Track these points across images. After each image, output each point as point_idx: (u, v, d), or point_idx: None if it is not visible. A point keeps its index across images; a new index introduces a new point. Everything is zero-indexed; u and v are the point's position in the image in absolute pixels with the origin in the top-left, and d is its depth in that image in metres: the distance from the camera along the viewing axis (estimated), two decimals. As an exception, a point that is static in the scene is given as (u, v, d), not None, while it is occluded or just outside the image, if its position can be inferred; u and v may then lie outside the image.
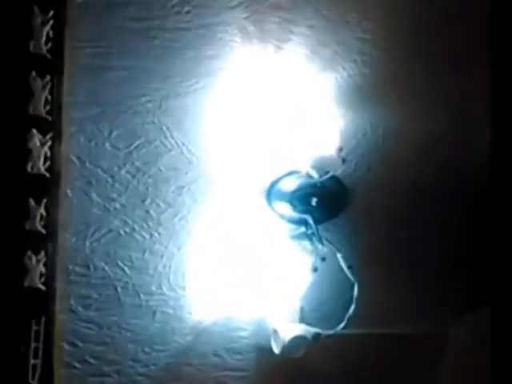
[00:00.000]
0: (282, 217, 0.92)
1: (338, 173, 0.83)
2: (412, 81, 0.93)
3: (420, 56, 0.92)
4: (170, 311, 0.89)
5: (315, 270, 0.87)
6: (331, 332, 0.85)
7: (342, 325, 0.85)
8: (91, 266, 0.84)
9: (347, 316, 0.86)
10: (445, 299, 0.97)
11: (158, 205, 0.87)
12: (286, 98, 0.84)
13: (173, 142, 0.87)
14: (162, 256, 0.88)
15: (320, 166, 0.84)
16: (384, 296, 0.94)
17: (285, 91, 0.85)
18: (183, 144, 0.87)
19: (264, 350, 0.89)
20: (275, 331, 0.88)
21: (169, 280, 0.88)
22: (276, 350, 0.88)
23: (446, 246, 0.96)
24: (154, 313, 0.87)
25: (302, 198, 0.89)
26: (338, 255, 0.87)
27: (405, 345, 0.94)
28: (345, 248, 0.89)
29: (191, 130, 0.87)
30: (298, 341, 0.86)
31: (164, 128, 0.86)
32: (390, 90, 0.92)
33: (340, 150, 0.81)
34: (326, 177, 0.85)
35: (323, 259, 0.87)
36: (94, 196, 0.84)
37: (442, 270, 0.96)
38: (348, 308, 0.86)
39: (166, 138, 0.86)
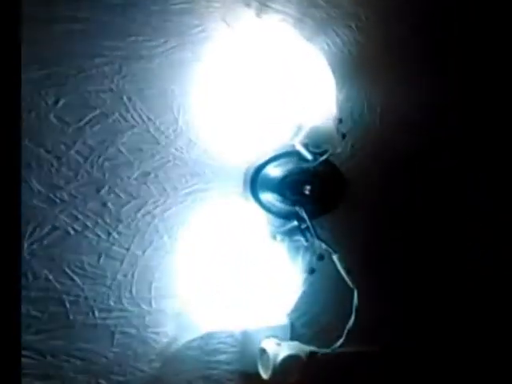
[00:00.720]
0: (270, 209, 0.76)
1: (338, 151, 0.69)
2: (413, 53, 0.81)
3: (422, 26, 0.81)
4: (133, 331, 0.70)
5: (312, 271, 0.72)
6: (328, 350, 0.71)
7: (340, 340, 0.72)
8: (30, 275, 0.64)
9: (346, 329, 0.72)
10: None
11: (117, 195, 0.69)
12: (272, 65, 0.68)
13: (136, 115, 0.69)
14: (122, 261, 0.69)
15: (314, 145, 0.69)
16: (387, 305, 0.80)
17: (270, 57, 0.69)
18: (149, 119, 0.70)
19: (250, 377, 0.73)
20: (263, 351, 0.72)
21: (131, 292, 0.70)
22: (264, 374, 0.72)
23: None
24: (113, 334, 0.69)
25: (292, 186, 0.74)
26: (334, 257, 0.73)
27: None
28: (342, 248, 0.74)
29: (159, 101, 0.70)
30: (290, 362, 0.70)
31: (125, 98, 0.68)
32: (389, 63, 0.80)
33: (339, 121, 0.67)
34: (323, 158, 0.71)
35: (321, 258, 0.73)
36: (33, 183, 0.64)
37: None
38: (347, 320, 0.72)
39: (127, 110, 0.68)
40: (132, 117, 0.69)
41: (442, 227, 0.86)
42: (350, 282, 0.73)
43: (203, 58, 0.71)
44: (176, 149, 0.72)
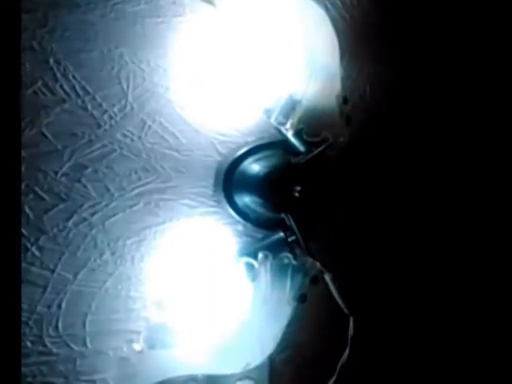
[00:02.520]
0: (248, 217, 0.58)
1: (342, 141, 0.51)
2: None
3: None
4: (60, 381, 0.50)
5: (303, 298, 0.54)
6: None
7: (332, 380, 0.56)
8: None
9: (339, 364, 0.56)
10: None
11: (38, 197, 0.49)
12: (256, 22, 0.50)
13: (67, 86, 0.49)
14: (45, 287, 0.50)
15: (310, 133, 0.52)
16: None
17: (254, 12, 0.51)
18: (86, 92, 0.50)
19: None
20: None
21: (57, 328, 0.50)
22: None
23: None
24: (30, 386, 0.49)
25: (278, 187, 0.56)
26: (327, 276, 0.56)
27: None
28: (336, 265, 0.57)
29: (101, 68, 0.50)
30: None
31: (51, 61, 0.48)
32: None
33: (344, 101, 0.49)
34: (319, 150, 0.53)
35: (315, 281, 0.55)
36: None
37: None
38: (339, 353, 0.56)
39: (54, 78, 0.49)
40: (62, 88, 0.49)
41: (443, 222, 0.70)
42: (344, 307, 0.56)
43: (164, 13, 0.52)
44: (124, 134, 0.52)
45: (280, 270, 0.54)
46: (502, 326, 0.73)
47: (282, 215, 0.57)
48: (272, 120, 0.48)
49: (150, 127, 0.53)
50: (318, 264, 0.56)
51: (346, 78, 0.63)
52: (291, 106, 0.47)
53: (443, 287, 0.70)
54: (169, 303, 0.55)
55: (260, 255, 0.53)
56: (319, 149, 0.55)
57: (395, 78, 0.66)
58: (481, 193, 0.71)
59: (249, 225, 0.59)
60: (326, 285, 0.58)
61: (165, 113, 0.53)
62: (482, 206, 0.71)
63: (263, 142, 0.58)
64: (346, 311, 0.56)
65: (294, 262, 0.55)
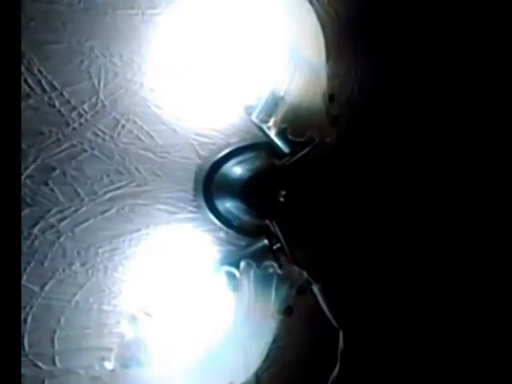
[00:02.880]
0: (230, 223, 0.54)
1: (328, 141, 0.48)
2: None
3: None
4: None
5: (289, 311, 0.50)
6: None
7: None
8: None
9: (329, 381, 0.53)
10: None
11: (-2, 201, 0.44)
12: (239, 14, 0.47)
13: (32, 81, 0.45)
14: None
15: (294, 132, 0.48)
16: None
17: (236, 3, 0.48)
18: (53, 87, 0.46)
19: None
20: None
21: (23, 346, 0.45)
22: None
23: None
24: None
25: (262, 191, 0.53)
26: (315, 287, 0.53)
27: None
28: (324, 274, 0.54)
29: (69, 61, 0.46)
30: None
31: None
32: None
33: (331, 99, 0.46)
34: (305, 151, 0.50)
35: (302, 291, 0.51)
36: None
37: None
38: (329, 369, 0.53)
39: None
40: (26, 82, 0.45)
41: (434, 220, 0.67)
42: (333, 320, 0.53)
43: (138, 5, 0.48)
44: (95, 133, 0.48)
45: (264, 281, 0.50)
46: (496, 336, 0.70)
47: (267, 221, 0.54)
48: (253, 117, 0.44)
49: (123, 126, 0.50)
50: (304, 273, 0.52)
51: (332, 78, 0.59)
52: (273, 103, 0.44)
53: (436, 297, 0.67)
54: (144, 317, 0.50)
55: (242, 264, 0.49)
56: (305, 150, 0.51)
57: (384, 78, 0.63)
58: (469, 195, 0.68)
59: (231, 232, 0.55)
60: (314, 296, 0.54)
61: (139, 111, 0.50)
62: (471, 208, 0.68)
63: (246, 143, 0.55)
64: (335, 324, 0.53)
65: (279, 272, 0.51)
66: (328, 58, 0.57)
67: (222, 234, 0.56)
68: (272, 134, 0.47)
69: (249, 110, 0.44)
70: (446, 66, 0.66)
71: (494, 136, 0.68)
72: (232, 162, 0.54)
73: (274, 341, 0.53)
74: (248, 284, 0.50)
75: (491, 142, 0.68)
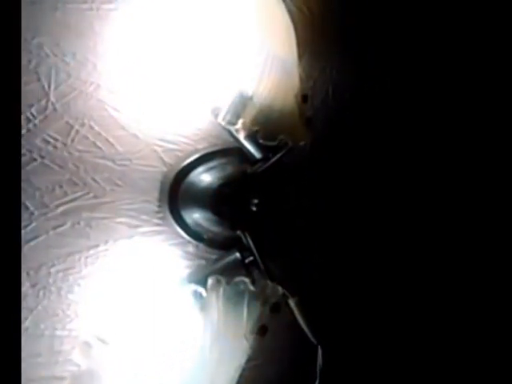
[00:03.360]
0: (198, 235, 0.50)
1: (302, 145, 0.44)
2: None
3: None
4: None
5: (263, 331, 0.46)
6: None
7: None
8: None
9: None
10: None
11: None
12: (204, 10, 0.43)
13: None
14: None
15: (266, 136, 0.44)
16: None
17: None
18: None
19: None
20: None
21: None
22: None
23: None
24: None
25: (233, 200, 0.49)
26: (291, 301, 0.49)
27: None
28: (301, 287, 0.51)
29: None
30: None
31: None
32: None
33: (304, 99, 0.42)
34: (278, 156, 0.46)
35: (276, 309, 0.47)
36: None
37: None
38: None
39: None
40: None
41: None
42: (311, 336, 0.50)
43: None
44: (45, 140, 0.44)
45: (235, 298, 0.46)
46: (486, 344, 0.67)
47: (238, 233, 0.50)
48: (220, 119, 0.40)
49: (77, 132, 0.45)
50: (279, 289, 0.48)
51: (306, 79, 0.56)
52: (241, 103, 0.40)
53: (421, 310, 0.63)
54: (103, 343, 0.45)
55: (210, 281, 0.44)
56: (277, 155, 0.47)
57: (361, 79, 0.59)
58: (454, 200, 0.65)
59: (201, 245, 0.51)
60: (291, 311, 0.50)
61: (96, 115, 0.45)
62: (455, 212, 0.65)
63: (215, 148, 0.50)
64: (313, 340, 0.49)
65: (251, 288, 0.46)
66: (301, 58, 0.54)
67: (190, 248, 0.51)
68: (241, 137, 0.43)
69: (215, 112, 0.40)
70: (427, 66, 0.64)
71: (479, 140, 0.65)
72: (200, 169, 0.50)
73: (249, 359, 0.49)
74: (217, 302, 0.45)
75: (477, 146, 0.65)
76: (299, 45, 0.50)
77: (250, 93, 0.41)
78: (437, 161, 0.65)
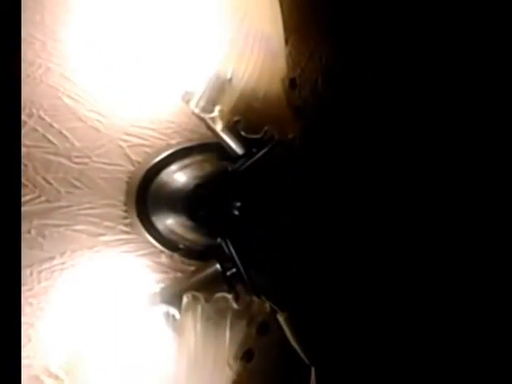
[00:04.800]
0: (172, 244, 0.43)
1: (291, 137, 0.38)
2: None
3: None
4: None
5: (249, 356, 0.40)
6: None
7: None
8: None
9: None
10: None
11: None
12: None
13: None
14: None
15: (249, 128, 0.38)
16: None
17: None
18: None
19: None
20: None
21: None
22: None
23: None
24: None
25: (211, 203, 0.42)
26: (280, 317, 0.43)
27: None
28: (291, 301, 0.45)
29: None
30: None
31: None
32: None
33: (292, 84, 0.36)
34: (263, 152, 0.40)
35: (264, 330, 0.41)
36: None
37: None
38: None
39: None
40: None
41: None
42: (303, 355, 0.44)
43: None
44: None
45: (215, 318, 0.39)
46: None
47: (218, 240, 0.43)
48: (192, 106, 0.33)
49: (24, 123, 0.38)
50: (267, 306, 0.41)
51: (293, 66, 0.49)
52: (218, 87, 0.33)
53: (419, 325, 0.57)
54: (60, 372, 0.38)
55: (185, 299, 0.37)
56: (263, 150, 0.41)
57: (353, 67, 0.53)
58: (440, 198, 0.60)
59: (175, 256, 0.44)
60: (280, 328, 0.44)
61: (46, 104, 0.38)
62: (444, 213, 0.59)
63: (191, 144, 0.44)
64: (305, 359, 0.44)
65: (234, 306, 0.39)
66: (287, 42, 0.48)
67: (163, 259, 0.44)
68: (219, 128, 0.36)
69: (186, 97, 0.34)
70: (424, 54, 0.58)
71: (472, 136, 0.60)
72: (173, 167, 0.44)
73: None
74: (194, 324, 0.38)
75: (470, 142, 0.60)
76: (285, 28, 0.44)
77: (228, 74, 0.34)
78: (433, 157, 0.59)
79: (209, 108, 0.34)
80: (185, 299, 0.38)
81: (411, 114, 0.56)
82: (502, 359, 0.57)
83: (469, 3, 0.56)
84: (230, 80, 0.34)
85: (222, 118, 0.35)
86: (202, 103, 0.34)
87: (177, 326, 0.38)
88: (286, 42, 0.49)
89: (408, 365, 0.57)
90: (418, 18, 0.55)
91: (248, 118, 0.37)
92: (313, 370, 0.44)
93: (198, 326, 0.38)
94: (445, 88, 0.58)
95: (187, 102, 0.34)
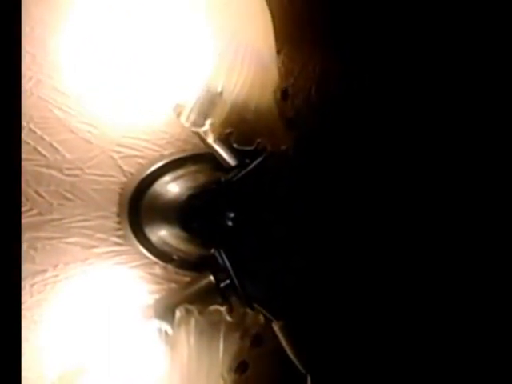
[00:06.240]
0: (165, 255, 0.43)
1: (284, 149, 0.38)
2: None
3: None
4: None
5: (243, 367, 0.40)
6: None
7: None
8: None
9: None
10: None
11: None
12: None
13: None
14: None
15: (242, 140, 0.38)
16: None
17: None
18: None
19: None
20: None
21: None
22: None
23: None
24: None
25: (205, 214, 0.42)
26: (275, 325, 0.43)
27: None
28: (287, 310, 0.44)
29: None
30: None
31: None
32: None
33: (284, 96, 0.36)
34: (256, 162, 0.39)
35: (258, 342, 0.41)
36: None
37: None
38: None
39: None
40: None
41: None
42: (299, 363, 0.44)
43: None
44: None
45: (209, 331, 0.39)
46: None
47: (212, 251, 0.43)
48: (183, 119, 0.33)
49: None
50: (261, 318, 0.41)
51: (286, 75, 0.49)
52: (209, 100, 0.33)
53: (416, 333, 0.57)
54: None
55: (178, 313, 0.37)
56: (255, 161, 0.40)
57: (347, 76, 0.53)
58: (435, 206, 0.59)
59: (168, 267, 0.44)
60: (275, 337, 0.44)
61: (37, 116, 0.38)
62: (438, 220, 0.59)
63: (184, 154, 0.43)
64: (301, 368, 0.44)
65: (227, 318, 0.39)
66: (280, 51, 0.47)
67: (157, 270, 0.44)
68: (210, 139, 0.36)
69: (177, 110, 0.33)
70: (418, 61, 0.57)
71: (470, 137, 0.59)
72: (166, 178, 0.43)
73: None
74: (187, 337, 0.38)
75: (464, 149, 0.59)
76: (278, 37, 0.44)
77: (218, 88, 0.33)
78: (430, 162, 0.59)
79: (200, 122, 0.33)
80: (178, 313, 0.38)
81: (406, 123, 0.55)
82: (501, 359, 0.57)
83: (465, 10, 0.56)
84: (221, 93, 0.34)
85: (213, 131, 0.35)
86: (192, 117, 0.33)
87: (170, 340, 0.38)
88: (279, 51, 0.48)
89: (405, 373, 0.56)
90: (413, 28, 0.55)
91: (240, 130, 0.37)
92: (308, 378, 0.44)
93: (192, 339, 0.38)
94: (441, 98, 0.57)
95: (178, 115, 0.34)
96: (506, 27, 0.53)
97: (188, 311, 0.39)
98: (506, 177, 0.57)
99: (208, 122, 0.34)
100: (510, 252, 0.59)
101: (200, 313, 0.40)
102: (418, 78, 0.55)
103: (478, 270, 0.57)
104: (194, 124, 0.34)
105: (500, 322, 0.57)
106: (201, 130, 0.34)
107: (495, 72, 0.56)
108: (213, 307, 0.40)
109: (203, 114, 0.33)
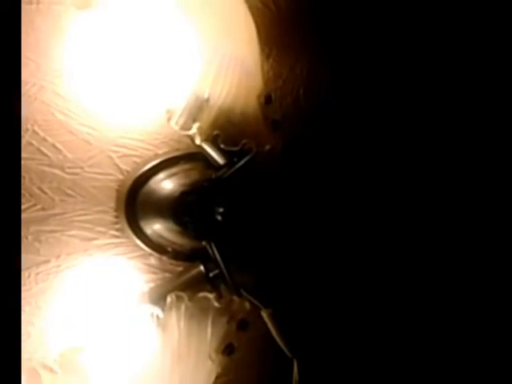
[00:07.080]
0: (159, 247, 0.46)
1: (268, 149, 0.41)
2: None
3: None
4: None
5: (230, 349, 0.43)
6: None
7: None
8: None
9: None
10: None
11: None
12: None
13: None
14: None
15: (229, 141, 0.41)
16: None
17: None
18: None
19: None
20: None
21: None
22: None
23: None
24: None
25: (196, 209, 0.45)
26: (264, 313, 0.46)
27: None
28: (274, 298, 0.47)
29: None
30: None
31: None
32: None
33: (268, 100, 0.39)
34: (243, 162, 0.42)
35: (244, 326, 0.44)
36: None
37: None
38: None
39: None
40: None
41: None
42: (286, 349, 0.47)
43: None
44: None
45: (198, 316, 0.42)
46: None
47: (203, 244, 0.46)
48: (172, 123, 0.36)
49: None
50: (247, 304, 0.44)
51: (274, 78, 0.52)
52: (196, 106, 0.36)
53: (401, 321, 0.60)
54: (54, 365, 0.42)
55: (169, 299, 0.40)
56: (243, 160, 0.44)
57: (333, 79, 0.56)
58: (429, 206, 0.62)
59: (162, 258, 0.47)
60: (263, 323, 0.47)
61: (40, 119, 0.41)
62: (433, 220, 0.62)
63: (177, 153, 0.47)
64: (288, 353, 0.47)
65: (215, 304, 0.43)
66: (268, 56, 0.51)
67: (152, 261, 0.47)
68: (198, 141, 0.39)
69: (168, 115, 0.37)
70: (404, 62, 0.60)
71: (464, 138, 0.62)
72: (161, 175, 0.47)
73: (217, 377, 0.45)
74: (177, 321, 0.42)
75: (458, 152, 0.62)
76: (266, 42, 0.47)
77: (205, 94, 0.37)
78: (420, 163, 0.62)
79: (188, 125, 0.37)
80: (169, 299, 0.41)
81: (393, 124, 0.58)
82: (501, 359, 0.60)
83: (456, 16, 0.58)
84: (208, 100, 0.37)
85: (200, 134, 0.38)
86: (181, 121, 0.37)
87: (162, 323, 0.41)
88: (268, 55, 0.52)
89: (388, 359, 0.60)
90: (400, 30, 0.57)
91: (226, 132, 0.40)
92: (295, 363, 0.47)
93: (182, 322, 0.42)
94: (430, 97, 0.60)
95: (168, 119, 0.37)
96: (504, 27, 0.56)
97: (179, 297, 0.43)
98: (505, 177, 0.59)
99: (195, 125, 0.37)
100: (509, 252, 0.61)
101: (190, 299, 0.43)
102: (404, 80, 0.58)
103: (478, 270, 0.60)
104: (183, 127, 0.37)
105: (500, 321, 0.60)
106: (189, 133, 0.38)
107: (493, 72, 0.58)
108: (202, 294, 0.44)
109: (191, 119, 0.37)
